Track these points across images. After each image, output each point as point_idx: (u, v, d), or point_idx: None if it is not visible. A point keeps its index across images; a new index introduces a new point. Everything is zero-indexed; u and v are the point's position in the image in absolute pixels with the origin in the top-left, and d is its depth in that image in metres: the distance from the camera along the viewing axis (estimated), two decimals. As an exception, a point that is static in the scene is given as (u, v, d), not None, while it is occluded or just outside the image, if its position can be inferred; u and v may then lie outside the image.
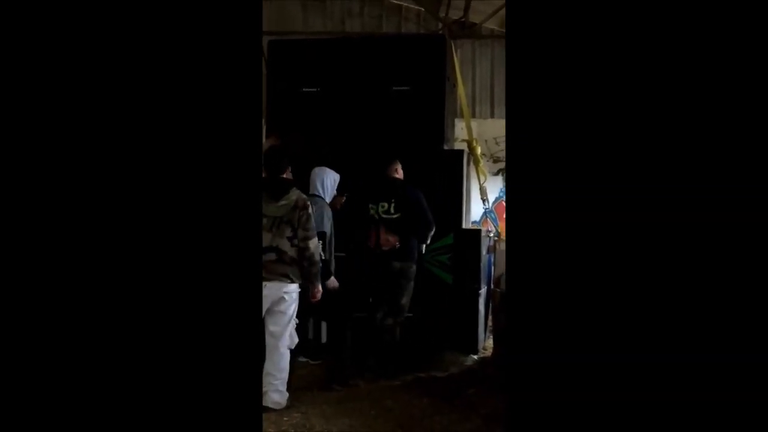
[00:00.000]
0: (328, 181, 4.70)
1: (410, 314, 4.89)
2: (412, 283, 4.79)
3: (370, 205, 4.84)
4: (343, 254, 5.00)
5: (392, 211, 4.78)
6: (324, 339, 5.04)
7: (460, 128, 6.93)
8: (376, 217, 4.80)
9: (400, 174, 4.94)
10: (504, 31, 10.55)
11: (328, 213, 4.64)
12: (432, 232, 4.83)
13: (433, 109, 5.48)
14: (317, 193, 4.65)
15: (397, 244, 4.72)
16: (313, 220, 3.98)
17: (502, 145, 9.76)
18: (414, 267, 4.79)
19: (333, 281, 4.54)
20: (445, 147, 5.58)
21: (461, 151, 5.75)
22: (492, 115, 10.44)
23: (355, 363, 4.58)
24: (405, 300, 4.77)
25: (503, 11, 9.73)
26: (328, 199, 4.70)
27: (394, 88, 5.49)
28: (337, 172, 4.82)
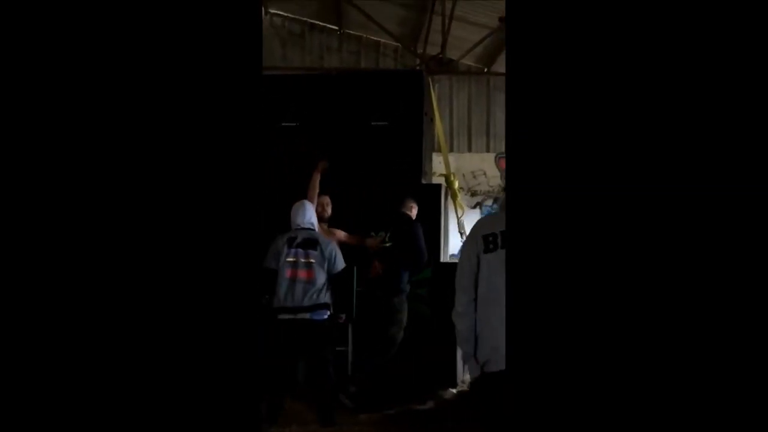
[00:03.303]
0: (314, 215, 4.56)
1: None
2: (400, 315, 4.78)
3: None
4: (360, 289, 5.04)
5: (386, 240, 4.83)
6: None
7: (437, 162, 7.00)
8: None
9: (411, 211, 5.00)
10: (480, 67, 10.74)
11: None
12: (422, 266, 4.86)
13: (411, 144, 5.55)
14: (313, 228, 4.42)
15: (380, 272, 4.76)
16: None
17: (480, 179, 9.86)
18: (399, 298, 4.79)
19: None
20: (423, 181, 5.63)
21: (439, 185, 5.81)
22: (469, 149, 10.56)
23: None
24: (393, 330, 4.75)
25: (479, 48, 9.90)
26: None
27: (372, 122, 5.55)
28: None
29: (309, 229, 4.35)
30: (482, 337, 2.30)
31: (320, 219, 4.75)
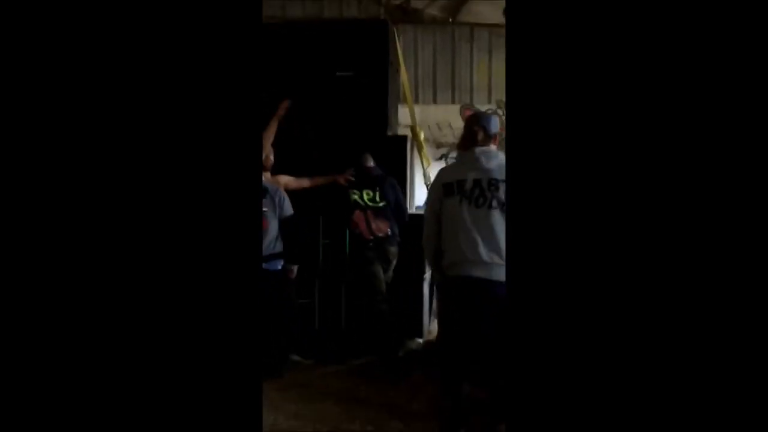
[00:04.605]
0: None
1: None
2: (394, 262, 5.00)
3: (353, 191, 4.90)
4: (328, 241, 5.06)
5: (378, 199, 4.88)
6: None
7: (403, 114, 6.95)
8: (362, 203, 4.87)
9: (372, 164, 5.03)
10: (445, 16, 10.63)
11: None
12: (406, 219, 5.05)
13: (376, 95, 5.48)
14: None
15: (389, 231, 4.85)
16: None
17: (445, 131, 9.85)
18: (396, 248, 4.97)
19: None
20: (389, 133, 5.59)
21: (405, 137, 5.77)
22: (434, 101, 10.50)
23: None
24: (390, 275, 4.96)
25: (444, -3, 9.78)
26: None
27: (337, 73, 5.47)
28: (282, 157, 4.78)
29: None
30: (445, 254, 3.09)
31: (263, 168, 4.66)
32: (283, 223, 4.22)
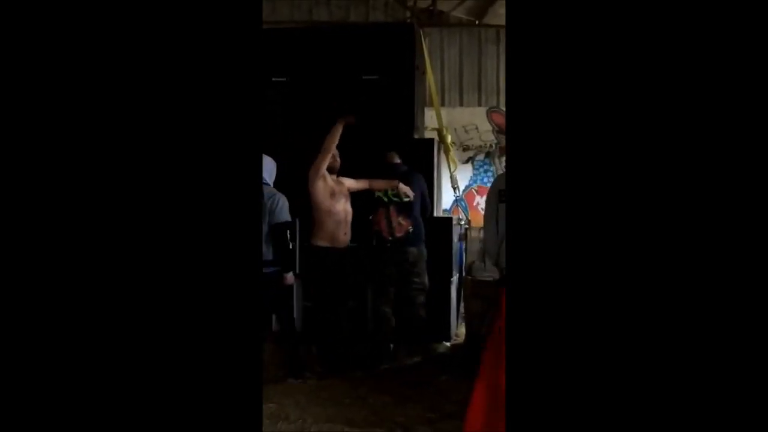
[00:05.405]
0: (273, 170, 4.52)
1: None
2: (425, 263, 4.94)
3: None
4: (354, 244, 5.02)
5: (405, 194, 4.82)
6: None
7: (429, 117, 6.94)
8: (385, 199, 4.85)
9: (399, 161, 5.06)
10: (471, 19, 10.60)
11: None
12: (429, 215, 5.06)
13: (402, 98, 5.48)
14: (267, 182, 4.38)
15: (411, 228, 4.81)
16: None
17: (472, 134, 9.80)
18: (423, 247, 4.93)
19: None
20: (416, 136, 5.59)
21: (431, 140, 5.76)
22: (461, 104, 10.47)
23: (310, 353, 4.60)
24: (426, 278, 4.93)
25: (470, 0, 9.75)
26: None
27: (363, 77, 5.48)
28: (305, 161, 4.79)
29: (266, 184, 4.31)
30: (500, 256, 3.36)
31: (332, 170, 4.67)
32: (275, 228, 4.20)
